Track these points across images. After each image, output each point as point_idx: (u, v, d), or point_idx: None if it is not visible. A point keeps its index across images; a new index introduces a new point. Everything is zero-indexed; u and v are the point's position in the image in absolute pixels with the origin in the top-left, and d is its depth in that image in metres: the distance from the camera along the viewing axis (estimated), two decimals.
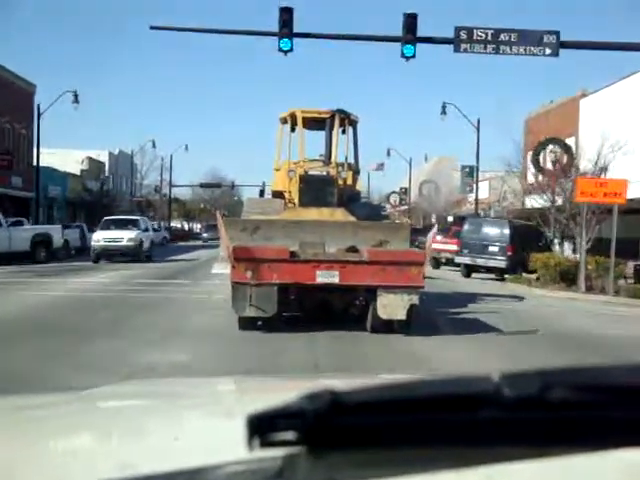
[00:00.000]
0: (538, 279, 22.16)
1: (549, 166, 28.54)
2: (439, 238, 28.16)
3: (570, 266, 21.67)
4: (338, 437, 0.67)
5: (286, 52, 19.41)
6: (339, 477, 0.72)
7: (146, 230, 31.53)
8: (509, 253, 25.25)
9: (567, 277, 21.12)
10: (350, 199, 14.37)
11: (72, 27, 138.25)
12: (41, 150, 38.15)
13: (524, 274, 24.10)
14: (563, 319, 14.66)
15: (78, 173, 54.43)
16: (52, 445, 1.28)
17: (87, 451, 1.24)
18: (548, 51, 19.48)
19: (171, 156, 67.50)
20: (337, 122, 14.54)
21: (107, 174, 63.03)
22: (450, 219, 45.26)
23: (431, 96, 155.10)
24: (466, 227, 27.69)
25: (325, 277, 10.65)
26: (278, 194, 14.83)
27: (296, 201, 13.97)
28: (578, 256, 22.01)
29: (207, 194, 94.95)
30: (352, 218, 13.05)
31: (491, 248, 25.71)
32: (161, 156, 68.32)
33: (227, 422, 1.30)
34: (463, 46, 19.58)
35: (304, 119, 14.63)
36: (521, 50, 19.48)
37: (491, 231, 26.46)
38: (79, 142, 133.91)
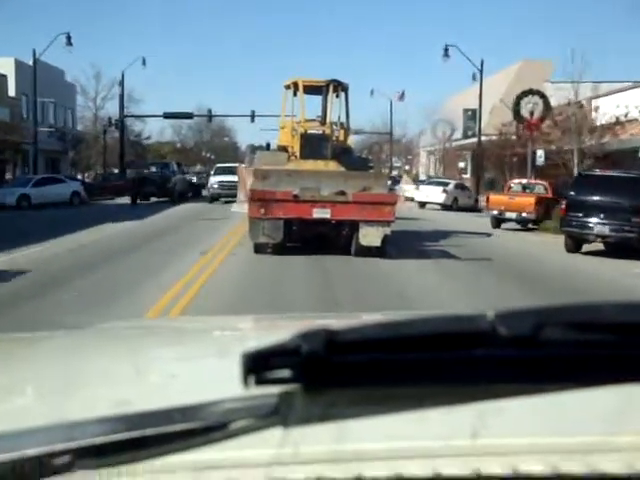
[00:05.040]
0: None
1: None
2: None
3: None
4: (334, 375, 0.66)
5: None
6: (335, 414, 0.70)
7: None
8: None
9: None
10: (342, 153, 15.86)
11: None
12: None
13: None
14: None
15: None
16: (47, 382, 1.23)
17: (82, 387, 1.19)
18: None
19: (122, 74, 43.89)
20: (331, 89, 16.03)
21: (14, 94, 39.57)
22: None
23: None
24: None
25: (320, 213, 12.88)
26: (283, 148, 16.35)
27: (297, 154, 15.66)
28: None
29: (195, 135, 73.78)
30: (342, 168, 14.85)
31: None
32: (119, 80, 45.28)
33: (223, 360, 1.27)
34: None
35: (304, 86, 16.14)
36: None
37: None
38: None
